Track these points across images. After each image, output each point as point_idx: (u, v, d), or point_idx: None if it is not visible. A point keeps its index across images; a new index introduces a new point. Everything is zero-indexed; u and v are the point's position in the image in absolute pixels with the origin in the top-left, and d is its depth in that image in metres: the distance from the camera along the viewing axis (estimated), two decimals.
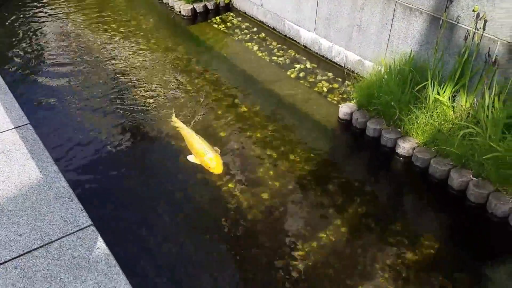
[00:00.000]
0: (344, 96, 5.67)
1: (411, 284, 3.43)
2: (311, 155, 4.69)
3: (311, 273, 3.49)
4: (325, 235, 3.79)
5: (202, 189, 4.26)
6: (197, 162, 4.47)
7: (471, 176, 4.16)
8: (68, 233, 2.84)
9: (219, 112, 5.33)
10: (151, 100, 5.53)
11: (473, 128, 4.25)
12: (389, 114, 4.84)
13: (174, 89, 5.77)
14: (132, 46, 6.83)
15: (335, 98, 5.64)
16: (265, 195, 4.16)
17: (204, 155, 4.45)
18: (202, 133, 4.89)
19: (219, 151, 4.61)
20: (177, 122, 5.06)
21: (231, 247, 3.70)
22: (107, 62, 6.37)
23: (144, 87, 5.80)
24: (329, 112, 5.40)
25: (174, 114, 5.19)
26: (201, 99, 5.53)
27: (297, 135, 4.99)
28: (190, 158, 4.53)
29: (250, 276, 3.49)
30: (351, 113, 5.14)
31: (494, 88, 4.24)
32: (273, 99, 5.67)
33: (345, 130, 5.17)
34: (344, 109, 5.19)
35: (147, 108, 5.38)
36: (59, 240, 2.80)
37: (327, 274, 3.48)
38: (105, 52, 6.66)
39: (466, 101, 4.48)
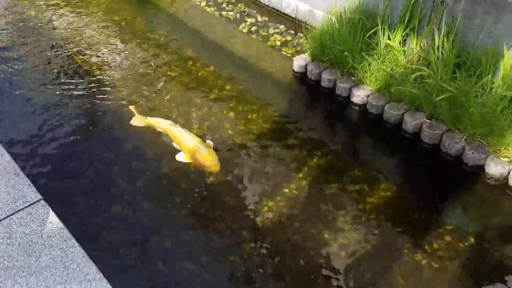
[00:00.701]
0: (298, 48, 5.58)
1: (373, 227, 3.51)
2: (269, 111, 4.63)
3: (276, 227, 3.51)
4: (287, 190, 3.80)
5: (159, 154, 4.15)
6: (188, 160, 3.92)
7: (424, 118, 4.24)
8: (17, 209, 2.71)
9: (172, 74, 5.15)
10: (95, 68, 5.26)
11: (425, 71, 4.29)
12: (342, 63, 4.81)
13: (119, 54, 5.51)
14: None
15: (289, 51, 5.55)
16: (227, 155, 4.10)
17: (196, 151, 3.91)
18: (156, 98, 4.72)
19: (212, 144, 4.10)
20: (145, 119, 4.39)
21: (194, 210, 3.65)
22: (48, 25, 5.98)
23: (88, 53, 5.50)
24: (284, 66, 5.32)
25: (135, 111, 4.51)
26: (153, 64, 5.31)
27: (254, 92, 4.91)
28: (180, 157, 3.96)
29: (215, 236, 3.47)
30: (306, 65, 5.08)
31: (442, 29, 4.26)
32: (226, 56, 5.52)
33: (301, 83, 5.12)
34: (298, 61, 5.12)
35: (94, 77, 5.13)
36: (8, 218, 2.66)
37: (293, 226, 3.50)
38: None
39: (416, 44, 4.49)
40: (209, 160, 3.84)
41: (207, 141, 4.10)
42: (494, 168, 3.80)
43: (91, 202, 3.65)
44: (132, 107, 4.56)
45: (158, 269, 3.19)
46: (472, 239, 3.42)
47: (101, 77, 5.08)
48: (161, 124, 4.27)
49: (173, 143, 4.12)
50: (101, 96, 4.80)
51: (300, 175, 3.93)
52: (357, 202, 3.69)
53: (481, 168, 3.90)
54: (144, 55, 5.47)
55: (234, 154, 4.12)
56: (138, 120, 4.40)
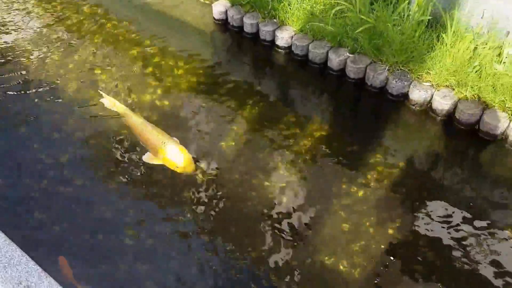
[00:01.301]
0: None
1: (310, 168, 3.61)
2: (194, 64, 4.50)
3: (217, 181, 3.52)
4: (224, 143, 3.78)
5: (85, 123, 3.96)
6: (157, 162, 3.51)
7: (347, 53, 4.29)
8: None
9: (82, 33, 4.82)
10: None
11: (343, 4, 4.28)
12: (263, 6, 4.70)
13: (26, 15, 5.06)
14: None
15: None
16: (155, 117, 3.98)
17: (165, 151, 3.46)
18: (70, 62, 4.43)
19: (178, 141, 3.62)
20: (114, 105, 3.93)
21: (124, 175, 3.56)
22: None
23: None
24: (203, 13, 5.13)
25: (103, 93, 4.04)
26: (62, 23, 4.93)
27: (176, 46, 4.72)
28: (146, 158, 3.54)
29: (156, 197, 3.44)
30: (226, 11, 4.92)
31: None
32: (140, 10, 5.22)
33: (223, 30, 4.98)
34: (218, 8, 4.95)
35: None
36: None
37: (233, 179, 3.53)
38: None
39: None
40: (181, 160, 3.42)
41: (174, 138, 3.64)
42: (418, 94, 3.96)
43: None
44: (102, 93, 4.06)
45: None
46: (402, 165, 3.61)
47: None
48: (132, 118, 3.77)
49: (140, 141, 3.71)
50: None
51: (235, 127, 3.92)
52: (292, 146, 3.76)
53: (405, 95, 4.06)
54: (52, 16, 5.06)
55: (163, 115, 4.01)
56: (108, 102, 4.00)
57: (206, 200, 3.41)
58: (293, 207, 3.36)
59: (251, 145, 3.79)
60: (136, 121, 3.73)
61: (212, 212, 3.34)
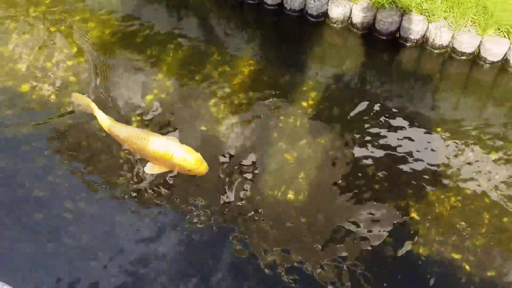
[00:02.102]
0: None
1: (244, 105, 3.58)
2: (103, 16, 4.17)
3: (150, 125, 3.41)
4: (151, 95, 3.64)
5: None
6: (164, 170, 3.06)
7: None
8: None
9: None
10: None
11: None
12: None
13: None
14: None
15: None
16: (73, 79, 3.72)
17: (170, 156, 2.97)
18: None
19: (177, 140, 3.13)
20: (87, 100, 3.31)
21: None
22: None
23: None
24: None
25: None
26: None
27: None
28: (150, 169, 3.06)
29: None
30: None
31: None
32: None
33: None
34: None
35: None
36: None
37: (167, 126, 3.45)
38: None
39: None
40: (194, 162, 2.97)
41: (169, 136, 3.17)
42: (337, 11, 3.94)
43: None
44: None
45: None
46: (333, 86, 3.68)
47: None
48: (120, 129, 3.13)
49: (132, 152, 3.23)
50: None
51: (160, 75, 3.76)
52: (223, 85, 3.69)
53: (325, 14, 4.02)
54: None
55: (82, 74, 3.75)
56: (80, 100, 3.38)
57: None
58: (235, 147, 3.37)
59: (180, 92, 3.67)
60: (124, 131, 3.13)
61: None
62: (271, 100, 3.62)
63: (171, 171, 3.10)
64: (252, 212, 3.07)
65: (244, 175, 3.24)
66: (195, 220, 3.02)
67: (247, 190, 3.17)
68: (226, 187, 3.19)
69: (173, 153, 2.95)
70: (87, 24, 4.11)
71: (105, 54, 3.90)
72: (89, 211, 3.08)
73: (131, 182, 3.20)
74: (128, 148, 3.19)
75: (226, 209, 3.08)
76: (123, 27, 4.12)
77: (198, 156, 3.00)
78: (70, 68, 3.81)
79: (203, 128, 3.47)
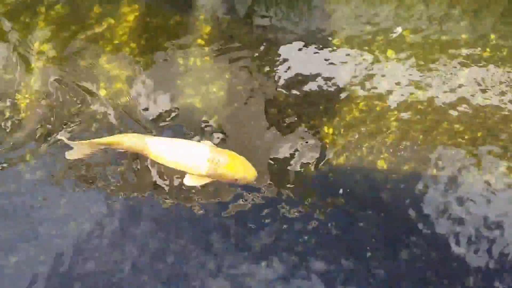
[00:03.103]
0: None
1: (141, 57, 3.39)
2: None
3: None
4: (35, 67, 3.34)
5: None
6: (207, 181, 2.81)
7: None
8: None
9: None
10: None
11: None
12: None
13: None
14: None
15: None
16: None
17: (215, 165, 2.71)
18: None
19: (215, 145, 2.94)
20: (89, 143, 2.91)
21: None
22: None
23: None
24: None
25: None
26: None
27: None
28: (189, 181, 2.81)
29: None
30: None
31: None
32: None
33: None
34: None
35: None
36: None
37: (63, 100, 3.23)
38: None
39: None
40: (242, 169, 2.75)
41: (207, 142, 2.93)
42: None
43: None
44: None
45: None
46: (226, 18, 3.52)
47: None
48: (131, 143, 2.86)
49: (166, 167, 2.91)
50: None
51: (37, 44, 3.42)
52: (111, 39, 3.43)
53: None
54: None
55: None
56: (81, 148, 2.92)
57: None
58: (140, 102, 3.24)
59: (67, 57, 3.39)
60: (155, 144, 2.84)
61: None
62: (165, 45, 3.43)
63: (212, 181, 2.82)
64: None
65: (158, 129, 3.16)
66: None
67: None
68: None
69: (219, 159, 2.69)
70: None
71: None
72: None
73: None
74: (161, 162, 2.86)
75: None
76: None
77: (243, 161, 2.76)
78: None
79: (102, 91, 3.26)
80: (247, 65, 3.34)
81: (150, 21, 3.52)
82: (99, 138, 2.94)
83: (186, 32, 3.48)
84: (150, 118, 3.19)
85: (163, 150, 2.79)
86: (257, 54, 3.37)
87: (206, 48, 3.39)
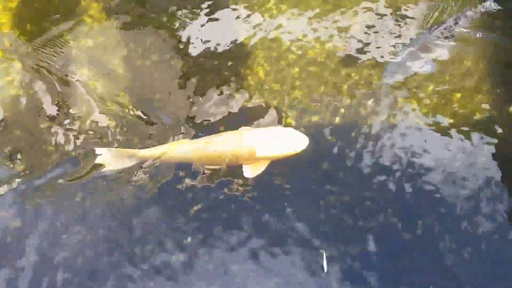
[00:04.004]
0: None
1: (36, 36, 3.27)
2: None
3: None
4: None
5: None
6: (265, 165, 2.69)
7: None
8: None
9: None
10: None
11: None
12: None
13: None
14: None
15: None
16: None
17: (270, 144, 2.64)
18: None
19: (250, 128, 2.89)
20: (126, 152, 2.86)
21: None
22: None
23: None
24: None
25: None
26: None
27: None
28: (249, 172, 2.67)
29: None
30: None
31: None
32: None
33: None
34: None
35: None
36: None
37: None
38: None
39: None
40: (293, 142, 2.67)
41: (243, 127, 2.85)
42: None
43: None
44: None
45: None
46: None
47: None
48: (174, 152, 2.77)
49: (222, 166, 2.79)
50: None
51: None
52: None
53: None
54: None
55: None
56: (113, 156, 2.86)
57: None
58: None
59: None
60: (203, 146, 2.74)
61: None
62: (54, 27, 3.29)
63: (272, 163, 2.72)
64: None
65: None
66: None
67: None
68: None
69: (278, 140, 2.63)
70: None
71: None
72: None
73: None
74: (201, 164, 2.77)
75: None
76: None
77: (294, 131, 2.70)
78: None
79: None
80: (143, 38, 3.24)
81: (33, 3, 3.29)
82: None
83: (73, 10, 3.31)
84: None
85: (206, 149, 2.72)
86: (150, 26, 3.25)
87: (96, 25, 3.26)
